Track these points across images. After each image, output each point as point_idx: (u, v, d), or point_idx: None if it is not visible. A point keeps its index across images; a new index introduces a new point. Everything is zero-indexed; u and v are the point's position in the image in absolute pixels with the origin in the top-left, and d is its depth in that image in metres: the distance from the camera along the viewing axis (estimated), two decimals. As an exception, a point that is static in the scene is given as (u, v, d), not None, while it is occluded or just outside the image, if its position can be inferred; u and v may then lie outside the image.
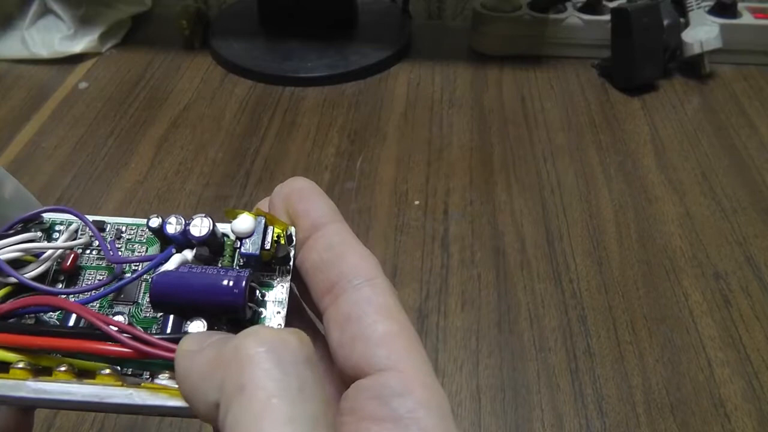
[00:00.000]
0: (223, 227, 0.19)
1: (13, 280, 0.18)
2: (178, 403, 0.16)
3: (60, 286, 0.19)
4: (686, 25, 0.62)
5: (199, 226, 0.18)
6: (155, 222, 0.19)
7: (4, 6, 0.68)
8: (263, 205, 0.20)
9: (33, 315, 0.18)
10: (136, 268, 0.20)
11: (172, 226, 0.18)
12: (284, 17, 0.68)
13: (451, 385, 0.37)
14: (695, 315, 0.41)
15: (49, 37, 0.66)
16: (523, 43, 0.66)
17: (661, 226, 0.47)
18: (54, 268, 0.20)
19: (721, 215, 0.48)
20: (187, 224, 0.18)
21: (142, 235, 0.20)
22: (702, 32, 0.61)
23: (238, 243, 0.19)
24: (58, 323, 0.18)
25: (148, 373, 0.17)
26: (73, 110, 0.59)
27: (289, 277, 0.19)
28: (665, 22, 0.60)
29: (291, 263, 0.19)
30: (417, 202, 0.49)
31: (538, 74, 0.64)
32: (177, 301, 0.17)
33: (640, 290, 0.42)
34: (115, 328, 0.17)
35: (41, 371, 0.17)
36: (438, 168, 0.53)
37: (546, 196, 0.50)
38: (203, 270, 0.18)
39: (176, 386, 0.16)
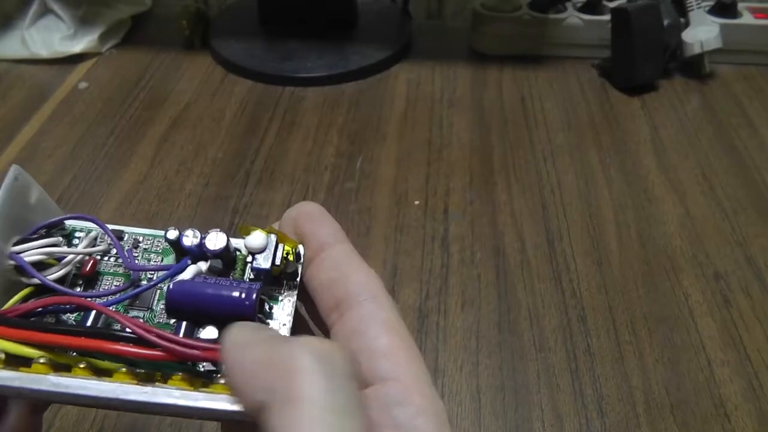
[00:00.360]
0: (235, 242, 0.20)
1: (35, 281, 0.19)
2: (192, 403, 0.16)
3: (78, 289, 0.20)
4: (686, 25, 0.62)
5: (214, 240, 0.19)
6: (173, 234, 0.20)
7: (4, 6, 0.68)
8: (274, 226, 0.21)
9: (53, 314, 0.19)
10: (152, 276, 0.21)
11: (189, 239, 0.19)
12: (284, 17, 0.68)
13: (451, 385, 0.37)
14: (695, 315, 0.41)
15: (49, 37, 0.66)
16: (523, 43, 0.66)
17: (661, 226, 0.47)
18: (73, 272, 0.21)
19: (721, 215, 0.48)
20: (203, 238, 0.19)
21: (158, 246, 0.21)
22: (702, 32, 0.61)
23: (251, 257, 0.20)
24: (75, 324, 0.19)
25: (159, 374, 0.18)
26: (73, 110, 0.59)
27: (295, 292, 0.20)
28: (665, 22, 0.60)
29: (298, 279, 0.20)
30: (417, 202, 0.49)
31: (538, 74, 0.64)
32: (191, 309, 0.18)
33: (640, 290, 0.43)
34: (142, 330, 0.17)
35: (61, 368, 0.17)
36: (438, 168, 0.53)
37: (546, 196, 0.50)
38: (217, 281, 0.19)
39: (190, 387, 0.16)
